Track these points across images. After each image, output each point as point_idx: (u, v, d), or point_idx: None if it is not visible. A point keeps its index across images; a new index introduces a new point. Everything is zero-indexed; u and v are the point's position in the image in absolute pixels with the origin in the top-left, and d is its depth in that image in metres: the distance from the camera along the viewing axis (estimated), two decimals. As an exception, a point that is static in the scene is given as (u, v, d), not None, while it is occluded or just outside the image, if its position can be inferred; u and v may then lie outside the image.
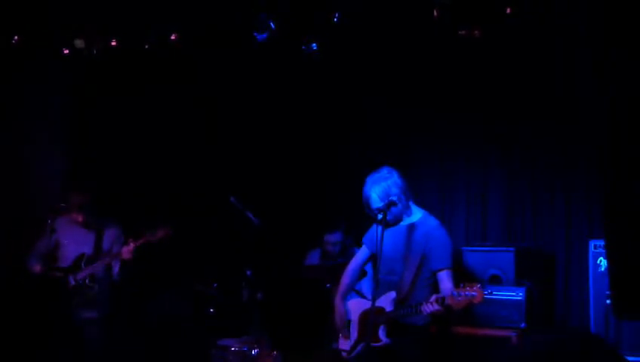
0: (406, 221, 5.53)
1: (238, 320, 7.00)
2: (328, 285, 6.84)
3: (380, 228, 5.33)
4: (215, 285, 7.14)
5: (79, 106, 8.20)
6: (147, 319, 7.52)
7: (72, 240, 6.68)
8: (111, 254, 6.66)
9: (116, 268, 6.71)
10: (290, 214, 8.15)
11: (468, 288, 5.02)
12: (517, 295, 6.41)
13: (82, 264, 6.60)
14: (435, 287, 5.42)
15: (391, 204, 5.44)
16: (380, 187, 5.47)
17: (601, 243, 6.12)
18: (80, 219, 6.66)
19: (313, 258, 7.69)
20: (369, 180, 5.54)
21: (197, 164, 8.40)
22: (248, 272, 6.73)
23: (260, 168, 8.38)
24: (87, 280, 6.57)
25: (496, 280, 6.65)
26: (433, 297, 5.18)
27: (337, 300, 5.92)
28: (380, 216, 5.46)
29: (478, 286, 5.02)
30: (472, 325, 6.52)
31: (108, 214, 6.78)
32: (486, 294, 5.16)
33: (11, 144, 7.83)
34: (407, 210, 5.55)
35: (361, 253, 5.95)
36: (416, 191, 7.37)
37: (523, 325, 6.34)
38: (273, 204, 7.91)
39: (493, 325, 6.46)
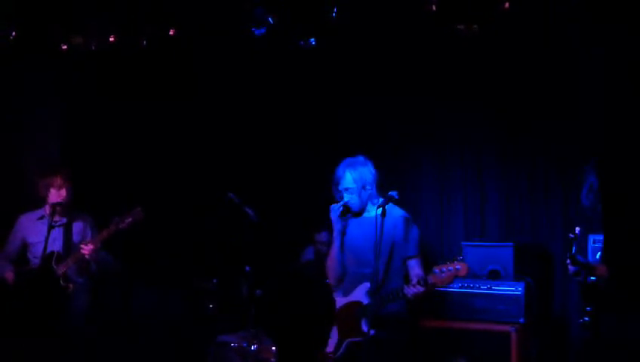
0: (373, 212, 5.52)
1: (238, 316, 7.01)
2: (328, 280, 6.86)
3: (379, 221, 5.33)
4: (214, 281, 7.14)
5: (78, 106, 8.17)
6: (145, 315, 7.51)
7: (40, 239, 6.39)
8: (77, 252, 6.37)
9: (93, 265, 6.52)
10: (288, 212, 8.17)
11: (449, 264, 5.06)
12: (516, 290, 6.42)
13: (53, 263, 6.38)
14: (406, 276, 5.46)
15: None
16: (357, 171, 5.56)
17: (600, 237, 6.11)
18: (61, 199, 6.44)
19: (308, 254, 7.71)
20: (345, 162, 5.64)
21: (195, 160, 8.40)
22: (247, 268, 6.72)
23: (259, 165, 8.38)
24: (60, 281, 6.34)
25: (495, 275, 6.66)
26: (414, 279, 5.21)
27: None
28: (354, 206, 5.60)
29: (460, 258, 5.07)
30: (470, 319, 6.54)
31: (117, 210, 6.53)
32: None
33: (10, 143, 7.82)
34: (373, 200, 5.58)
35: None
36: (414, 187, 7.48)
37: (522, 320, 6.34)
38: (272, 201, 7.93)
39: (491, 319, 6.46)
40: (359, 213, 5.68)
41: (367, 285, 5.43)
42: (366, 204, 5.64)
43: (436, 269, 5.13)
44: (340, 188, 5.63)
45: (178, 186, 8.23)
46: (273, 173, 8.36)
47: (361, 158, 5.68)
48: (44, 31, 7.19)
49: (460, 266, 5.07)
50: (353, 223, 5.71)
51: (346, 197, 5.62)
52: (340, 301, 5.70)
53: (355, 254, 5.65)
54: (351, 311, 5.49)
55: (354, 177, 5.57)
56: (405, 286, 5.27)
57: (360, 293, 5.48)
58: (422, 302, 5.63)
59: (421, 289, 5.20)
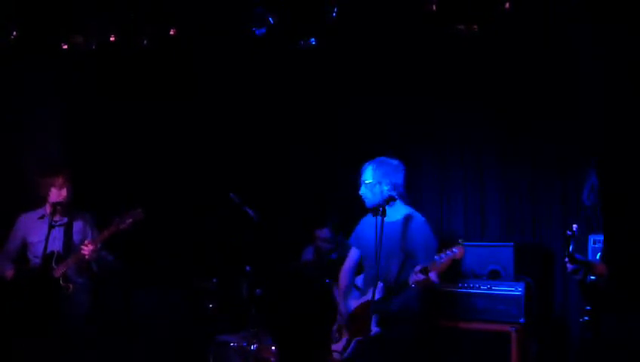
0: (391, 217, 5.55)
1: (238, 316, 7.01)
2: (328, 280, 6.88)
3: (379, 221, 5.37)
4: (215, 281, 7.15)
5: (78, 106, 8.17)
6: (145, 315, 7.51)
7: (41, 238, 6.37)
8: (77, 252, 6.34)
9: (94, 265, 6.50)
10: (288, 211, 8.17)
11: (448, 249, 5.10)
12: (516, 290, 6.39)
13: (53, 263, 6.34)
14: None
15: (390, 199, 5.50)
16: (380, 168, 5.63)
17: (601, 238, 6.10)
18: (61, 198, 6.43)
19: (307, 254, 7.71)
20: (379, 158, 5.70)
21: (195, 160, 8.40)
22: (247, 268, 6.73)
23: (259, 165, 8.39)
24: (60, 281, 6.30)
25: (495, 276, 6.64)
26: (418, 267, 5.24)
27: (339, 299, 5.97)
28: (366, 201, 5.74)
29: (459, 242, 5.11)
30: (470, 319, 6.54)
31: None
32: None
33: (10, 143, 7.81)
34: (391, 203, 5.59)
35: (352, 254, 6.01)
36: (414, 187, 7.47)
37: (522, 320, 6.33)
38: (272, 201, 7.93)
39: (491, 320, 6.45)
40: (374, 211, 5.67)
41: (380, 284, 5.47)
42: (376, 203, 5.65)
43: (436, 256, 5.18)
44: (361, 180, 5.70)
45: (178, 186, 8.24)
46: (273, 173, 8.35)
47: (394, 161, 5.76)
48: (45, 31, 7.18)
49: (456, 249, 5.15)
50: (367, 225, 5.74)
51: (362, 189, 5.69)
52: (357, 301, 5.76)
53: (367, 257, 5.71)
54: (363, 310, 5.57)
55: (374, 173, 5.65)
56: (412, 274, 5.31)
57: (372, 293, 5.51)
58: (431, 297, 5.66)
59: (423, 276, 5.22)
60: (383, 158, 5.74)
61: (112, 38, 7.23)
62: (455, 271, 6.53)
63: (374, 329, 5.44)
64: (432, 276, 5.23)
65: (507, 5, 6.42)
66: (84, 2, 7.09)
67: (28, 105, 7.86)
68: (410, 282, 5.31)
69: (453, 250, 5.13)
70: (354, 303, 5.85)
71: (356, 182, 5.89)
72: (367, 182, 5.68)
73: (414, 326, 5.60)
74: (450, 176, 7.61)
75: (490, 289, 6.51)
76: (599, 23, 6.49)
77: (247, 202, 6.91)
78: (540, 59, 7.00)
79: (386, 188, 5.63)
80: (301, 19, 7.05)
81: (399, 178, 5.68)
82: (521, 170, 7.20)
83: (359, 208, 6.14)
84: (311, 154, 8.31)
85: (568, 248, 5.34)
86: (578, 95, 6.72)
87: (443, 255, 5.15)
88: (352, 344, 5.67)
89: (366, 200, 5.74)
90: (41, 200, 6.59)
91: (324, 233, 7.47)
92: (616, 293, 5.18)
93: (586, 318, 5.48)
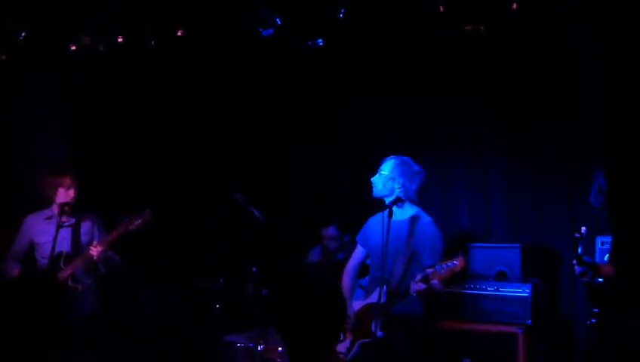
0: (398, 216, 5.57)
1: (244, 316, 7.01)
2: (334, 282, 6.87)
3: (386, 221, 5.39)
4: (221, 281, 7.15)
5: (78, 106, 8.13)
6: (151, 316, 7.50)
7: (48, 239, 6.35)
8: (85, 253, 6.34)
9: (101, 265, 6.47)
10: (288, 212, 8.16)
11: (448, 260, 5.13)
12: (523, 291, 6.41)
13: (61, 263, 6.33)
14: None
15: (397, 200, 5.53)
16: (398, 166, 5.70)
17: (608, 239, 6.14)
18: (69, 199, 6.41)
19: (314, 255, 7.70)
20: (405, 157, 5.80)
21: (201, 160, 8.39)
22: (254, 268, 6.73)
23: (259, 165, 8.38)
24: (68, 281, 6.28)
25: (502, 277, 6.66)
26: (418, 276, 5.26)
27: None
28: (374, 189, 5.78)
29: (460, 255, 5.14)
30: (478, 321, 6.55)
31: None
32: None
33: (10, 143, 7.76)
34: (399, 204, 5.61)
35: (357, 253, 6.03)
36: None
37: (529, 321, 6.36)
38: (272, 201, 7.90)
39: (498, 321, 6.47)
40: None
41: (384, 288, 5.48)
42: (383, 196, 5.67)
43: (437, 266, 5.21)
44: (379, 169, 5.76)
45: (180, 186, 8.22)
46: (274, 173, 8.34)
47: (416, 167, 5.80)
48: (47, 31, 7.13)
49: (457, 261, 5.17)
50: (375, 224, 5.75)
51: (375, 177, 5.74)
52: (360, 303, 5.77)
53: (373, 257, 5.72)
54: (367, 312, 5.57)
55: (393, 167, 5.71)
56: (412, 284, 5.32)
57: (377, 295, 5.52)
58: (433, 300, 5.68)
59: (423, 286, 5.25)
60: (407, 159, 5.77)
61: (119, 40, 7.18)
62: (462, 277, 6.54)
63: (378, 333, 5.46)
64: (435, 284, 5.25)
65: (515, 6, 6.42)
66: (87, 3, 7.04)
67: (28, 105, 7.81)
68: (412, 291, 5.33)
69: (454, 261, 5.16)
70: (358, 304, 5.86)
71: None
72: (382, 173, 5.71)
73: (418, 329, 5.62)
74: (453, 177, 7.63)
75: (497, 290, 6.52)
76: (599, 22, 6.52)
77: (248, 202, 6.90)
78: (540, 59, 7.03)
79: (397, 185, 5.66)
80: (302, 19, 7.03)
81: (414, 183, 5.70)
82: (524, 170, 7.23)
83: (360, 208, 6.17)
84: (311, 154, 8.30)
85: (576, 250, 5.37)
86: (578, 95, 6.75)
87: (444, 265, 5.17)
88: (356, 346, 5.69)
89: (374, 189, 5.77)
90: (46, 201, 6.56)
91: (330, 231, 7.46)
92: (623, 294, 5.21)
93: (594, 321, 5.52)
